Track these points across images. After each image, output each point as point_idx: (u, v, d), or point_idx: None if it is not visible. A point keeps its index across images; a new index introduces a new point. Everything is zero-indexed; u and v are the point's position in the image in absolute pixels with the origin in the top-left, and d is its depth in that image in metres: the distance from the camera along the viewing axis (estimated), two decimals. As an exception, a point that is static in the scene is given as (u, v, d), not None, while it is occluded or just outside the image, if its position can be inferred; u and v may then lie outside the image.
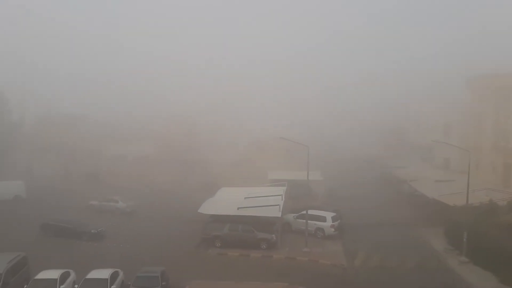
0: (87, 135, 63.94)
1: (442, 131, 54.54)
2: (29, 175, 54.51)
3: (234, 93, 76.52)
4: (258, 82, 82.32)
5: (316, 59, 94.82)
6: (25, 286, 22.32)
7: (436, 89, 62.49)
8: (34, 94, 71.02)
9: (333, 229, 34.89)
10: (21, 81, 72.05)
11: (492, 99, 46.83)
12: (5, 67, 74.46)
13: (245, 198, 35.94)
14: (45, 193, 47.69)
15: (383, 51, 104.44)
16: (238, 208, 32.89)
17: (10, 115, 57.95)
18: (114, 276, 23.63)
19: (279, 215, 32.50)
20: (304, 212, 33.70)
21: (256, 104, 74.43)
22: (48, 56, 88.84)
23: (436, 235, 34.91)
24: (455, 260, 29.82)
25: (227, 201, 35.53)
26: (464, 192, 30.80)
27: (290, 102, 79.68)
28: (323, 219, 35.22)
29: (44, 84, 77.33)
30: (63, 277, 23.08)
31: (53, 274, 22.94)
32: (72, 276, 24.00)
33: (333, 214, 36.23)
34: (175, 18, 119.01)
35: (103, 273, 23.45)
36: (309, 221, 33.06)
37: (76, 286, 23.17)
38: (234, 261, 29.55)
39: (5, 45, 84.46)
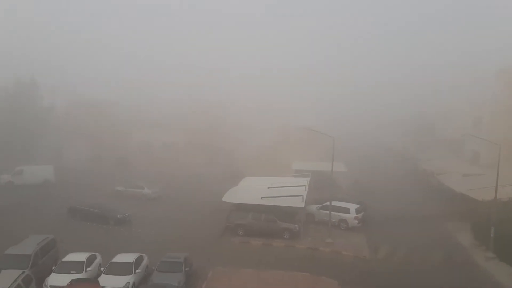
0: (117, 121, 64.98)
1: (471, 125, 53.32)
2: (59, 159, 55.79)
3: (262, 85, 76.49)
4: (289, 78, 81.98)
5: (347, 56, 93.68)
6: (53, 267, 22.97)
7: (467, 82, 60.97)
8: (66, 80, 72.46)
9: (356, 221, 34.68)
10: (53, 67, 73.64)
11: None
12: (38, 53, 76.21)
13: (268, 187, 36.00)
14: (73, 177, 48.80)
15: (412, 44, 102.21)
16: (261, 198, 32.99)
17: (42, 100, 59.29)
18: (139, 261, 24.11)
19: (302, 205, 32.46)
20: (328, 203, 33.59)
21: (285, 97, 74.16)
22: (79, 43, 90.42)
23: (463, 230, 34.33)
24: (481, 256, 29.29)
25: (251, 190, 35.67)
26: (493, 186, 30.12)
27: (320, 97, 79.06)
28: (347, 210, 35.04)
29: (75, 70, 78.82)
30: (90, 260, 23.69)
31: (80, 256, 23.55)
32: (98, 259, 24.60)
33: (357, 206, 36.00)
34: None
35: (128, 257, 23.96)
36: (332, 212, 32.93)
37: (102, 269, 23.76)
38: (256, 250, 29.72)
39: (37, 32, 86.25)
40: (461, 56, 74.48)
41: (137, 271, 23.27)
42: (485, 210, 31.57)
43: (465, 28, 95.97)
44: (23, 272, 20.37)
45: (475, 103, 54.70)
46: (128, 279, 22.42)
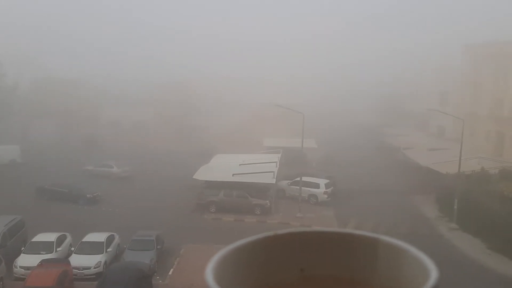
0: (84, 100, 63.63)
1: (438, 99, 54.54)
2: (25, 139, 54.50)
3: (232, 61, 76.00)
4: (255, 52, 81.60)
5: (322, 37, 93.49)
6: (22, 248, 22.76)
7: (433, 57, 62.06)
8: (30, 58, 70.24)
9: (326, 196, 35.37)
10: (16, 44, 71.21)
11: (489, 67, 46.68)
12: (0, 29, 73.45)
13: (240, 164, 36.22)
14: (41, 157, 47.82)
15: (379, 18, 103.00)
16: (233, 175, 33.21)
17: (4, 78, 57.40)
18: (110, 240, 24.12)
19: (274, 181, 32.91)
20: (298, 178, 34.09)
21: (253, 73, 73.98)
22: (44, 19, 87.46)
23: (428, 203, 35.48)
24: (445, 227, 30.42)
25: (222, 167, 35.83)
26: (457, 160, 31.13)
27: (286, 71, 79.16)
28: (317, 185, 35.66)
29: (40, 48, 76.45)
30: (60, 240, 23.56)
31: (50, 237, 23.40)
32: (69, 239, 24.48)
33: (326, 180, 36.64)
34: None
35: (99, 236, 23.93)
36: (302, 188, 33.50)
37: (72, 248, 23.67)
38: (228, 226, 30.04)
39: (0, 8, 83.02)
40: (429, 33, 75.63)
41: (108, 250, 23.31)
42: (449, 183, 32.66)
43: (432, 6, 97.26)
44: (-10, 254, 20.15)
45: (442, 77, 55.85)
46: (99, 258, 22.46)
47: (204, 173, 34.65)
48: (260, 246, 1.14)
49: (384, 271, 1.10)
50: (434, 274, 0.97)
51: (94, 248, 22.89)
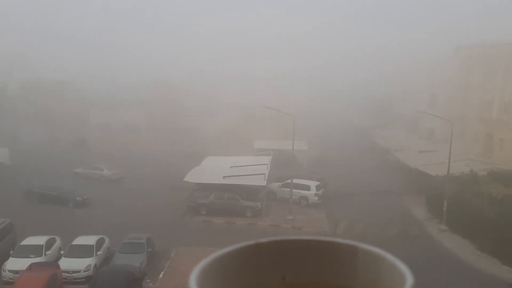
0: (74, 102, 63.21)
1: (427, 101, 54.90)
2: (14, 141, 53.97)
3: (224, 62, 76.01)
4: (247, 53, 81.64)
5: (313, 39, 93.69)
6: (11, 252, 22.54)
7: (423, 58, 62.54)
8: (19, 59, 69.67)
9: (316, 198, 35.46)
10: (5, 46, 70.56)
11: (478, 69, 47.14)
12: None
13: (231, 167, 36.19)
14: (30, 160, 47.38)
15: (369, 20, 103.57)
16: (224, 177, 33.18)
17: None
18: (100, 243, 23.97)
19: (264, 183, 32.92)
20: (289, 181, 34.13)
21: (245, 74, 73.98)
22: (33, 20, 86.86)
23: (417, 204, 35.69)
24: (435, 228, 30.63)
25: (213, 169, 35.79)
26: (446, 162, 31.36)
27: (277, 73, 79.26)
28: (307, 187, 35.73)
29: (29, 49, 75.81)
30: (49, 243, 23.37)
31: (39, 240, 23.21)
32: (58, 242, 24.29)
33: (317, 183, 36.74)
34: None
35: (89, 240, 23.78)
36: (293, 190, 33.55)
37: (62, 252, 23.49)
38: (219, 229, 30.01)
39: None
40: (420, 35, 76.12)
41: (98, 253, 23.17)
42: (439, 184, 32.89)
43: (424, 7, 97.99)
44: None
45: (431, 81, 56.24)
46: (89, 261, 22.31)
47: (195, 175, 34.58)
48: (242, 254, 1.16)
49: (363, 278, 1.13)
50: (409, 280, 1.01)
51: (84, 251, 22.73)
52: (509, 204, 28.07)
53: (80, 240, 23.68)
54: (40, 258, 21.87)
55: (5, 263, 21.60)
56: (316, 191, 35.67)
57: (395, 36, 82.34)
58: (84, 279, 21.77)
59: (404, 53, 67.99)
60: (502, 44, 43.99)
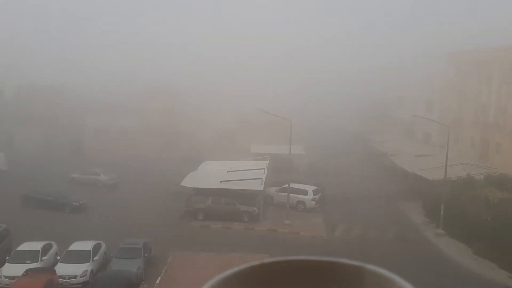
0: (70, 107, 63.12)
1: (424, 106, 55.04)
2: (10, 147, 53.82)
3: (219, 66, 76.12)
4: (242, 57, 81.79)
5: (312, 46, 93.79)
6: (7, 257, 22.41)
7: (419, 64, 62.77)
8: (14, 65, 69.52)
9: (314, 202, 35.43)
10: (1, 51, 70.50)
11: (473, 74, 47.34)
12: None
13: (228, 171, 36.14)
14: (26, 165, 47.25)
15: (365, 25, 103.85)
16: (221, 182, 33.12)
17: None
18: (96, 248, 23.87)
19: (262, 188, 32.86)
20: (286, 185, 34.11)
21: (241, 79, 74.08)
22: (26, 27, 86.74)
23: (414, 208, 35.72)
24: (432, 233, 30.64)
25: (210, 174, 35.72)
26: (443, 166, 31.41)
27: (273, 77, 79.43)
28: (304, 192, 35.70)
29: (23, 55, 75.67)
30: (45, 249, 23.24)
31: (35, 245, 23.08)
32: (54, 248, 24.16)
33: (314, 187, 36.72)
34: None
35: (86, 245, 23.67)
36: (290, 194, 33.49)
37: (58, 257, 23.36)
38: (216, 233, 29.94)
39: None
40: (416, 41, 76.40)
41: (94, 258, 23.05)
42: (436, 189, 32.94)
43: (419, 13, 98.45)
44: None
45: (427, 86, 56.44)
46: (86, 266, 22.20)
47: (192, 180, 34.51)
48: (247, 275, 1.15)
49: None
50: None
51: (80, 256, 22.61)
52: (505, 208, 28.13)
53: (77, 246, 23.56)
54: (36, 263, 21.74)
55: (1, 269, 21.47)
56: (314, 195, 35.65)
57: (391, 43, 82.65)
58: (80, 285, 21.66)
59: (400, 59, 68.29)
60: (497, 48, 44.21)
